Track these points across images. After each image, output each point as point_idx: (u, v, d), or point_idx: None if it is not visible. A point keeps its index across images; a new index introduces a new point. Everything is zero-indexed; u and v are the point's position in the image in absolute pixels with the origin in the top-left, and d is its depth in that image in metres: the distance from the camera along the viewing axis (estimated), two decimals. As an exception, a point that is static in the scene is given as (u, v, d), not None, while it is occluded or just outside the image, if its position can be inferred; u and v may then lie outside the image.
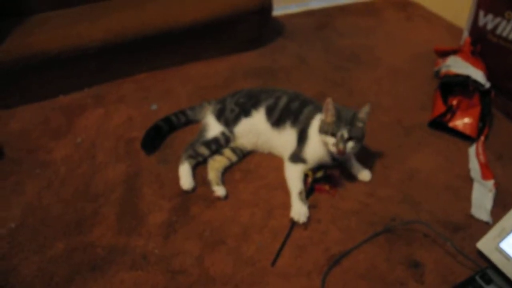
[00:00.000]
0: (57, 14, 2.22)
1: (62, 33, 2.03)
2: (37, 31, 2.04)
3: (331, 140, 1.59)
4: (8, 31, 2.03)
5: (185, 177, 1.69)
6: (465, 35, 2.39)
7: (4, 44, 1.94)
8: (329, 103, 1.58)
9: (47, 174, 1.72)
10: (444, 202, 1.71)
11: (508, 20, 2.11)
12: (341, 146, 1.57)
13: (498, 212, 1.66)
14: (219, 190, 1.65)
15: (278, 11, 2.91)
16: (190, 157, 1.74)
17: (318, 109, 1.72)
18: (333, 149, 1.59)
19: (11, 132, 1.90)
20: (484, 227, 1.60)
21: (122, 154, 1.82)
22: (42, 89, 2.05)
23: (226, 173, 1.77)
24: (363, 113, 1.59)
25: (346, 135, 1.57)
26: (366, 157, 1.86)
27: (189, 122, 1.96)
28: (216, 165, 1.74)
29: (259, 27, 2.48)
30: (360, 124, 1.60)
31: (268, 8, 2.44)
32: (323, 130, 1.61)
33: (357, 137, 1.59)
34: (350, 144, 1.59)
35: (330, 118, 1.59)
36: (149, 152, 1.83)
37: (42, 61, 1.97)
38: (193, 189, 1.69)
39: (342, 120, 1.57)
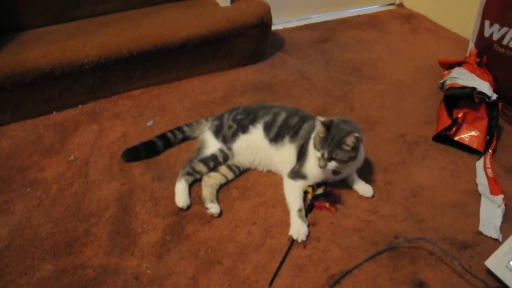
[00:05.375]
0: (52, 29, 2.19)
1: (56, 48, 2.00)
2: (31, 47, 2.01)
3: (318, 154, 1.58)
4: (0, 47, 2.00)
5: (181, 194, 1.64)
6: (471, 46, 2.34)
7: (-4, 60, 1.92)
8: (317, 121, 1.58)
9: (37, 193, 1.67)
10: (451, 218, 1.65)
11: (515, 30, 2.07)
12: (321, 163, 1.57)
13: (508, 228, 1.61)
14: (213, 208, 1.60)
15: (278, 25, 2.89)
16: (187, 174, 1.70)
17: (318, 123, 1.67)
18: (317, 163, 1.59)
19: (2, 150, 1.85)
20: (493, 244, 1.54)
21: (116, 172, 1.77)
22: (35, 106, 2.01)
23: (223, 191, 1.71)
24: (349, 140, 1.55)
25: (326, 155, 1.55)
26: (368, 173, 1.81)
27: (186, 138, 1.92)
28: (211, 181, 1.69)
29: (258, 42, 2.44)
30: (347, 148, 1.55)
31: (267, 22, 2.41)
32: (313, 143, 1.60)
33: (341, 159, 1.56)
34: (333, 163, 1.57)
35: (319, 134, 1.58)
36: (126, 159, 1.81)
37: (35, 78, 1.94)
38: (188, 207, 1.64)
39: (328, 140, 1.55)
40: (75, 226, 1.56)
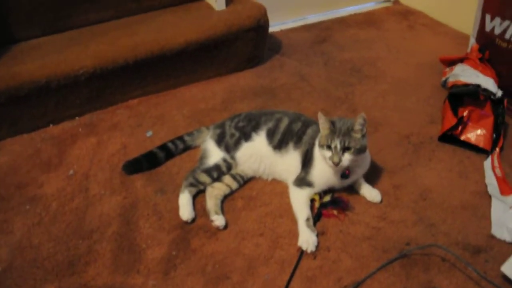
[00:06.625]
0: (45, 40, 2.14)
1: (51, 60, 1.95)
2: (24, 60, 1.96)
3: (327, 153, 1.53)
4: (-7, 60, 1.96)
5: (185, 207, 1.60)
6: (472, 41, 2.30)
7: (-11, 74, 1.87)
8: (320, 116, 1.54)
9: (37, 210, 1.63)
10: (462, 222, 1.61)
11: (518, 23, 2.03)
12: (335, 158, 1.50)
13: (521, 230, 1.57)
14: (218, 220, 1.55)
15: (274, 27, 2.83)
16: (191, 185, 1.66)
17: (322, 128, 1.62)
18: (329, 163, 1.53)
19: (-1, 167, 1.81)
20: (508, 248, 1.51)
21: (117, 185, 1.73)
22: (31, 120, 1.97)
23: (228, 201, 1.67)
24: (357, 124, 1.52)
25: (339, 146, 1.50)
26: (375, 177, 1.77)
27: (187, 148, 1.88)
28: (215, 192, 1.65)
29: (256, 45, 2.40)
30: (357, 135, 1.52)
31: (264, 25, 2.37)
32: (320, 144, 1.56)
33: (354, 148, 1.51)
34: (347, 156, 1.51)
35: (325, 131, 1.54)
36: (127, 172, 1.77)
37: (30, 91, 1.89)
38: (194, 220, 1.60)
39: (336, 132, 1.52)
40: (77, 244, 1.52)
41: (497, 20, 2.13)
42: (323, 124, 1.54)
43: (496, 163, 1.83)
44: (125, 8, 2.35)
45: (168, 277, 1.42)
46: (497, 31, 2.13)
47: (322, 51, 2.66)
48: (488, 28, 2.19)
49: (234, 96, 2.24)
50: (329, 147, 1.52)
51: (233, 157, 1.71)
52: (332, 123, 1.53)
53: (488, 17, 2.18)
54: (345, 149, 1.51)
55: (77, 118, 2.07)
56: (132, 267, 1.45)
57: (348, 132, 1.51)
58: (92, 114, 2.09)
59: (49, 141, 1.94)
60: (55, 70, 1.93)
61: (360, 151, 1.54)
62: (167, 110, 2.13)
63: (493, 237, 1.55)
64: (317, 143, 1.60)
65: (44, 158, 1.85)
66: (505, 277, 1.40)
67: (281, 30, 2.90)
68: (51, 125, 2.02)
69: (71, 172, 1.78)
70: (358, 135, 1.53)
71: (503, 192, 1.70)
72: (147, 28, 2.23)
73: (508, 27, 2.08)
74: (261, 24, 2.36)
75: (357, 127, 1.52)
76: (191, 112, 2.12)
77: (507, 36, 2.09)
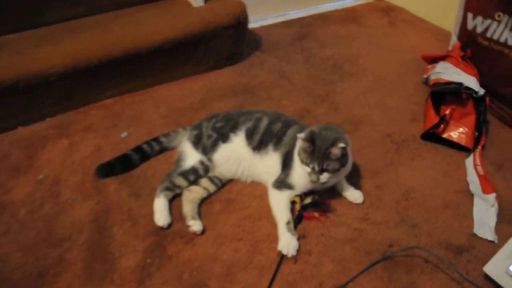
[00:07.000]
0: (14, 37, 2.06)
1: (20, 58, 1.88)
2: (-8, 57, 1.88)
3: (307, 169, 1.49)
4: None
5: (160, 212, 1.54)
6: (454, 39, 2.28)
7: (-47, 73, 1.78)
8: (299, 140, 1.50)
9: (4, 218, 1.55)
10: (444, 222, 1.59)
11: (499, 22, 2.01)
12: (313, 177, 1.48)
13: (503, 228, 1.56)
14: (195, 225, 1.50)
15: (254, 23, 2.79)
16: (167, 189, 1.60)
17: (303, 129, 1.57)
18: (308, 178, 1.50)
19: (-37, 173, 1.73)
20: (490, 247, 1.49)
21: (89, 190, 1.66)
22: (-2, 122, 1.89)
23: (205, 205, 1.62)
24: (335, 151, 1.46)
25: (317, 167, 1.46)
26: (357, 177, 1.74)
27: (164, 149, 1.81)
28: (191, 196, 1.59)
29: (235, 42, 2.35)
30: (334, 157, 1.47)
31: (244, 21, 2.32)
32: (300, 158, 1.51)
33: (333, 169, 1.47)
34: (325, 175, 1.48)
35: (306, 150, 1.48)
36: (100, 176, 1.71)
37: (-3, 91, 1.81)
38: (169, 225, 1.54)
39: (315, 152, 1.46)
40: (46, 253, 1.45)
41: (479, 18, 2.11)
42: (302, 145, 1.49)
43: (478, 161, 1.82)
44: (99, 4, 2.28)
45: (143, 286, 1.36)
46: (479, 29, 2.11)
47: (302, 48, 2.62)
48: (470, 26, 2.17)
49: (213, 94, 2.18)
50: (307, 164, 1.48)
51: (210, 159, 1.65)
52: (312, 140, 1.46)
53: (470, 15, 2.16)
54: (323, 170, 1.47)
55: (47, 119, 1.99)
56: (104, 276, 1.39)
57: (326, 155, 1.46)
58: (63, 115, 2.01)
59: (18, 144, 1.86)
60: (24, 69, 1.85)
61: (340, 168, 1.50)
62: (143, 109, 2.07)
63: (475, 236, 1.53)
64: (296, 154, 1.54)
65: (12, 162, 1.77)
66: (488, 277, 1.39)
67: (261, 26, 2.85)
68: (19, 127, 1.94)
69: (41, 176, 1.71)
70: (337, 156, 1.47)
71: (485, 190, 1.69)
72: (122, 25, 2.15)
73: (489, 25, 2.06)
74: (241, 21, 2.30)
75: (335, 152, 1.46)
76: (168, 112, 2.05)
77: (488, 34, 2.07)
